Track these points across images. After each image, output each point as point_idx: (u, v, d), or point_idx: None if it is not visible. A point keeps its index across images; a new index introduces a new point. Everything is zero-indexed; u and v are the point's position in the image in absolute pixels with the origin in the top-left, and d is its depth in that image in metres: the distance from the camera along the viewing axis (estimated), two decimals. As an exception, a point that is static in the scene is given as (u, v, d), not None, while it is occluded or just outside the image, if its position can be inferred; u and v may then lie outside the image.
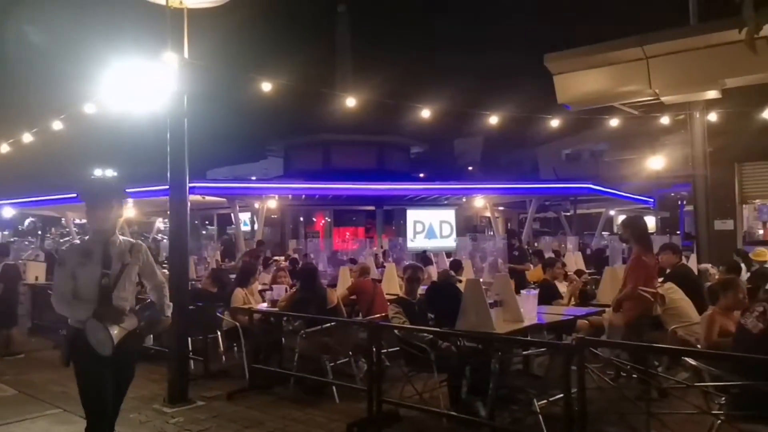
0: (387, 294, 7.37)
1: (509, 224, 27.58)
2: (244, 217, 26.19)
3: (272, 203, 20.40)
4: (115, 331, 3.05)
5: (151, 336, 3.48)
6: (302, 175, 25.81)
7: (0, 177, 16.69)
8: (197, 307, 6.45)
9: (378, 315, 6.35)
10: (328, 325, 5.69)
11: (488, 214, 25.26)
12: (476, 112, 9.85)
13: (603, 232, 26.58)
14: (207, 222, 33.49)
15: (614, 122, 9.77)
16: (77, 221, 25.21)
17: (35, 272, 10.37)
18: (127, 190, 3.46)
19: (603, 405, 4.44)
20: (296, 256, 14.33)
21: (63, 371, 6.75)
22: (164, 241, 27.07)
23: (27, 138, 9.10)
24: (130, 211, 19.29)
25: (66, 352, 3.19)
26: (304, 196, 22.16)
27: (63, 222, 32.19)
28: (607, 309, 5.80)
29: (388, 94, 17.70)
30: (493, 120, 8.98)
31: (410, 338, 5.00)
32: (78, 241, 3.30)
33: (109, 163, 41.24)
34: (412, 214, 23.40)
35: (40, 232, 36.27)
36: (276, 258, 13.42)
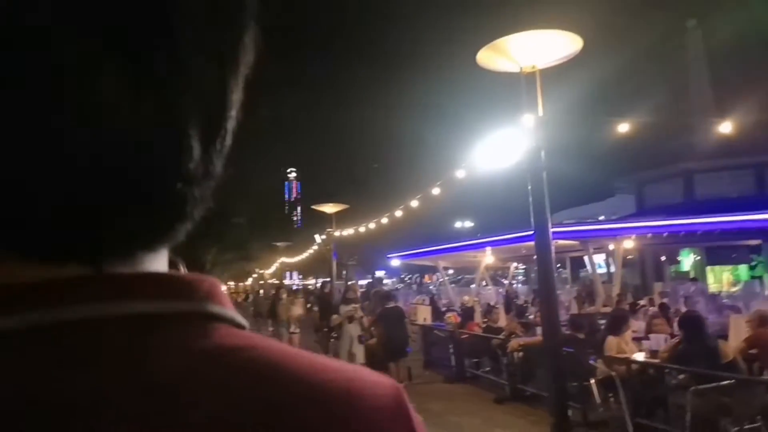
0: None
1: None
2: (598, 259, 25.31)
3: (629, 243, 19.15)
4: None
5: None
6: (658, 210, 23.54)
7: (394, 234, 20.35)
8: (568, 353, 6.53)
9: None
10: (726, 382, 4.98)
11: None
12: None
13: None
14: (559, 265, 33.63)
15: None
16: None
17: (423, 314, 12.25)
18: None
19: None
20: (665, 300, 12.96)
21: (455, 402, 7.82)
22: (519, 286, 28.38)
23: (414, 203, 11.10)
24: (488, 257, 21.00)
25: None
26: (666, 233, 20.05)
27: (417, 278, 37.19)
28: None
29: (764, 107, 14.81)
30: None
31: None
32: None
33: (466, 215, 46.14)
34: (819, 247, 18.51)
35: (418, 279, 42.94)
36: (640, 302, 12.42)
